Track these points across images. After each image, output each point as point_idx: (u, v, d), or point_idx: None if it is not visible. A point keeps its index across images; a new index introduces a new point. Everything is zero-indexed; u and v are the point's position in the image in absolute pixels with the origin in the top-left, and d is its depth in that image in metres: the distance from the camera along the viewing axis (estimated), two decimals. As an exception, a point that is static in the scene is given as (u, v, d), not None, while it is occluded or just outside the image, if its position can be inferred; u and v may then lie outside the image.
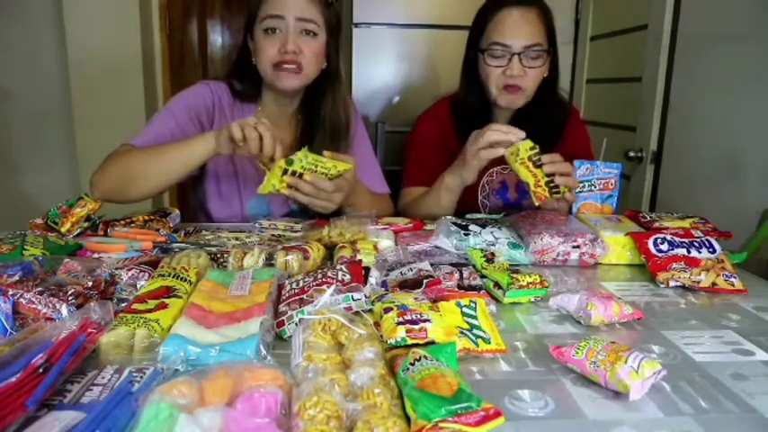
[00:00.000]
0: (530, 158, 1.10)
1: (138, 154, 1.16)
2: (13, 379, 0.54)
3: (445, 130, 1.44)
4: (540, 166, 1.10)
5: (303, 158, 1.03)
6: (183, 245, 1.03)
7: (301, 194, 1.07)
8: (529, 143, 1.10)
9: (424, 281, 0.83)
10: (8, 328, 0.68)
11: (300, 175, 1.04)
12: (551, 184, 1.10)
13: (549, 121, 1.37)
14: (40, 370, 0.56)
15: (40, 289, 0.72)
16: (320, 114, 1.34)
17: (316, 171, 1.04)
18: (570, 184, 1.11)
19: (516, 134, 1.11)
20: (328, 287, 0.74)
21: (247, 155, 1.08)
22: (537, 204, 1.13)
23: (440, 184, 1.28)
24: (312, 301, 0.73)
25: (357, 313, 0.72)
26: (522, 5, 1.30)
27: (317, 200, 1.09)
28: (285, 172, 1.03)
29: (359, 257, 0.94)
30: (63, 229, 1.04)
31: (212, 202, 1.36)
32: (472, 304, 0.73)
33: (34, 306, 0.70)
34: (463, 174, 1.23)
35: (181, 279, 0.81)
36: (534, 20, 1.29)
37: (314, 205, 1.10)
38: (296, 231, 1.14)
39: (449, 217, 1.14)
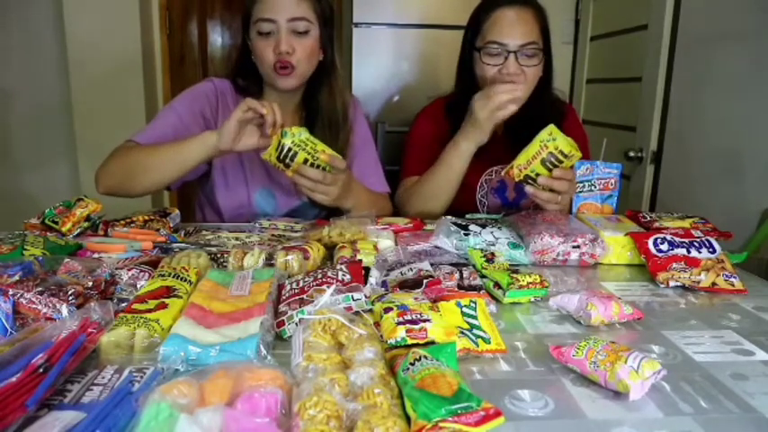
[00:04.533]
0: (550, 151, 1.10)
1: (140, 151, 1.18)
2: (14, 379, 0.54)
3: (442, 129, 1.44)
4: (545, 166, 1.10)
5: (297, 134, 1.07)
6: (183, 245, 1.03)
7: (302, 184, 1.12)
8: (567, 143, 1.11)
9: (424, 281, 0.83)
10: (8, 328, 0.68)
11: (291, 153, 1.07)
12: (532, 176, 1.11)
13: (544, 121, 1.37)
14: (41, 370, 0.56)
15: (40, 289, 0.72)
16: (318, 105, 1.35)
17: (305, 149, 1.07)
18: (561, 195, 1.15)
19: (521, 89, 1.22)
20: (328, 287, 0.74)
21: (251, 147, 1.11)
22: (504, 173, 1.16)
23: (451, 152, 1.31)
24: (312, 301, 0.73)
25: (357, 313, 0.72)
26: (517, 5, 1.31)
27: (315, 192, 1.13)
28: (279, 145, 1.07)
29: (359, 257, 0.94)
30: (64, 229, 1.04)
31: (220, 193, 1.36)
32: (472, 304, 0.73)
33: (34, 306, 0.70)
34: (478, 137, 1.27)
35: (181, 279, 0.81)
36: (530, 19, 1.31)
37: (314, 196, 1.15)
38: (296, 231, 1.14)
39: (449, 217, 1.14)
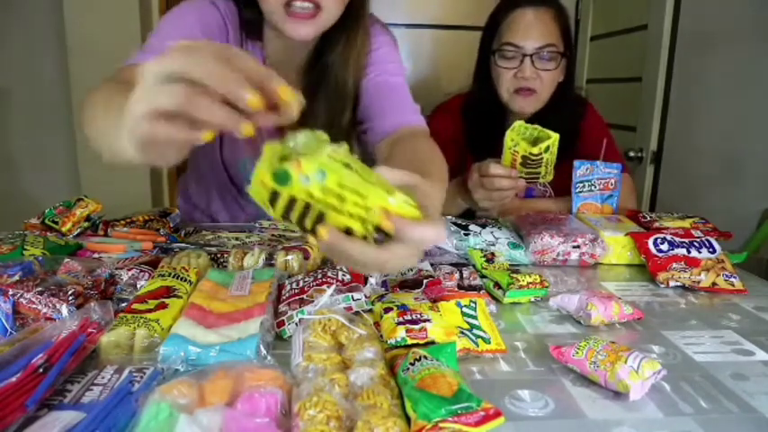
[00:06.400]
0: (522, 155, 1.10)
1: (99, 95, 0.70)
2: (14, 379, 0.54)
3: (457, 128, 1.42)
4: (527, 166, 1.11)
5: (316, 172, 0.46)
6: (183, 245, 1.03)
7: (350, 264, 0.54)
8: (524, 126, 1.11)
9: (424, 281, 0.83)
10: (8, 328, 0.68)
11: (309, 210, 0.50)
12: (531, 169, 1.11)
13: (564, 124, 1.28)
14: (41, 370, 0.56)
15: (39, 289, 0.72)
16: (325, 68, 1.03)
17: (341, 205, 0.48)
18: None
19: (519, 185, 1.13)
20: (328, 287, 0.74)
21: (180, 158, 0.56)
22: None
23: (450, 199, 1.26)
24: (312, 301, 0.73)
25: (357, 313, 0.72)
26: (537, 5, 1.27)
27: (384, 271, 0.73)
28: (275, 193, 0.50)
29: (359, 257, 0.93)
30: (64, 229, 1.05)
31: (215, 205, 1.32)
32: (472, 304, 0.73)
33: (34, 306, 0.70)
34: (471, 204, 1.24)
35: (181, 279, 0.81)
36: (549, 20, 1.27)
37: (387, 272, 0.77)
38: (296, 231, 1.14)
39: (449, 217, 1.14)
